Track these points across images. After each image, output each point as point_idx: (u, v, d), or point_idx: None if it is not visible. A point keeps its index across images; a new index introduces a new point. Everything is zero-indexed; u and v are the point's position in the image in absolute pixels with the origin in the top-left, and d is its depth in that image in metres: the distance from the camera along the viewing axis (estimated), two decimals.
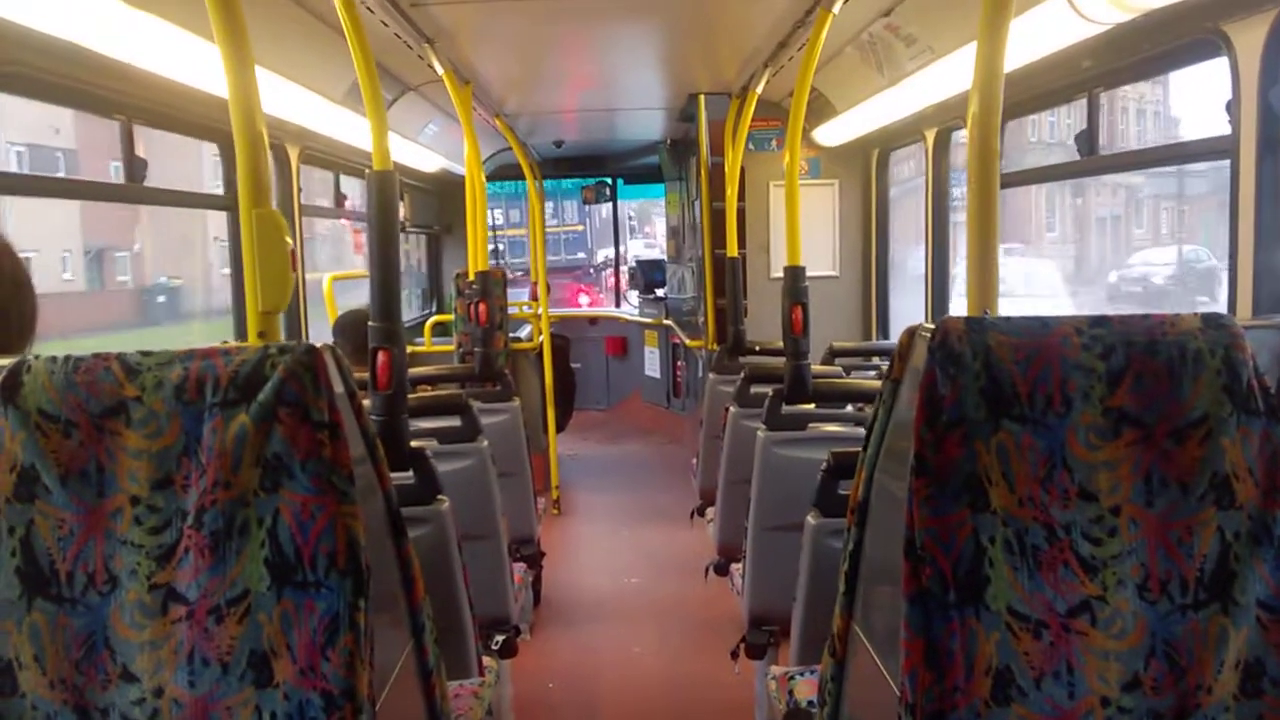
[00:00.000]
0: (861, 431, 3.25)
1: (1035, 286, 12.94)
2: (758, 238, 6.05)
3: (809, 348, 3.47)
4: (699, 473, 5.18)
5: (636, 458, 8.78)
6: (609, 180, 10.07)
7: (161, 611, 1.24)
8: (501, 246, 12.03)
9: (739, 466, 3.88)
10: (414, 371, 3.83)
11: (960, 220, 4.96)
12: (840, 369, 4.14)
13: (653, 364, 9.73)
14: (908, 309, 5.87)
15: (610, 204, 10.42)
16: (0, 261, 1.58)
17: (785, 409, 3.39)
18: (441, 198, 8.27)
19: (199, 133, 3.66)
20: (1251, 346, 1.27)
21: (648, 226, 22.07)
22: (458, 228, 8.19)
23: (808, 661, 2.54)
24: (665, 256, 9.84)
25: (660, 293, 9.51)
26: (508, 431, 4.27)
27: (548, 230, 8.64)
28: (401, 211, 4.39)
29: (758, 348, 5.10)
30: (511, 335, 6.84)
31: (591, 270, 20.90)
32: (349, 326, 3.97)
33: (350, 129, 4.33)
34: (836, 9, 3.21)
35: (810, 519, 2.53)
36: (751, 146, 5.80)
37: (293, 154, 4.24)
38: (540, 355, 6.85)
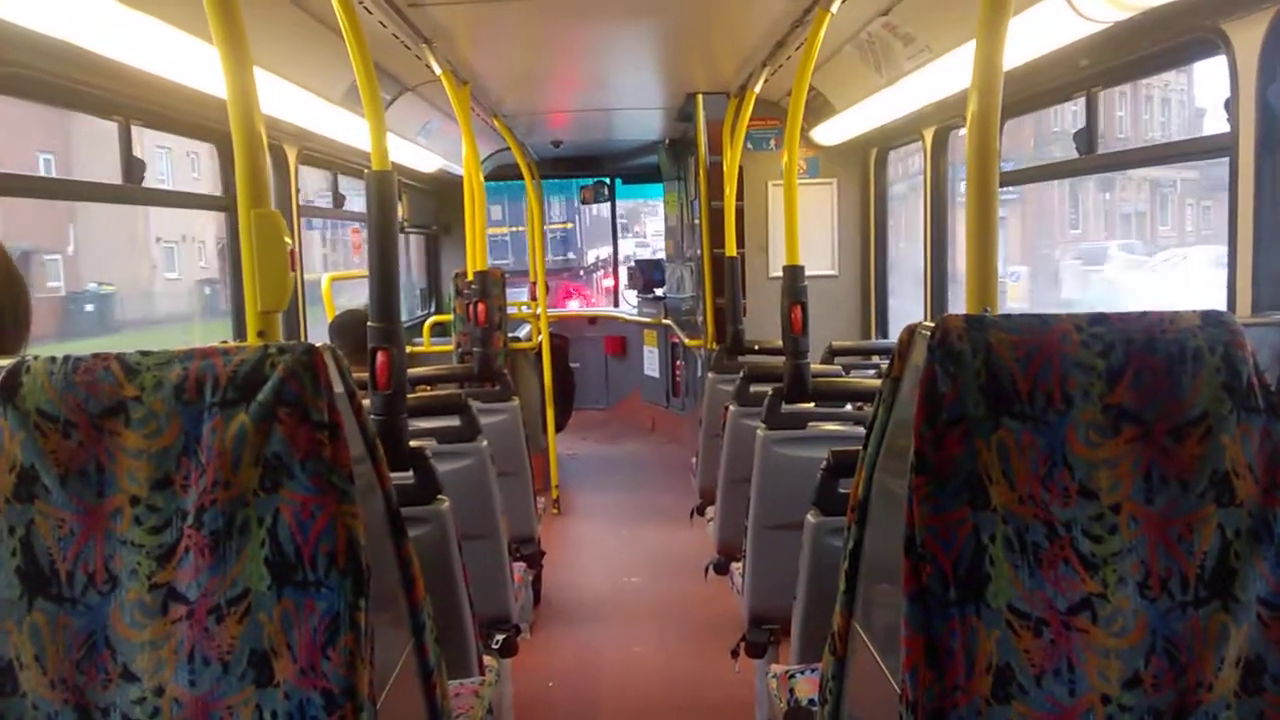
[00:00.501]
0: (861, 430, 3.27)
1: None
2: (756, 237, 6.05)
3: (808, 347, 3.47)
4: (698, 472, 5.18)
5: (636, 457, 8.78)
6: (607, 180, 10.07)
7: (162, 611, 1.24)
8: None
9: (738, 465, 3.88)
10: (413, 372, 3.83)
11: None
12: (839, 368, 4.14)
13: (652, 363, 9.73)
14: (906, 311, 5.88)
15: (605, 203, 10.41)
16: None
17: (785, 408, 3.39)
18: (439, 198, 8.27)
19: (197, 133, 3.66)
20: (1251, 344, 1.27)
21: (637, 226, 21.79)
22: (456, 228, 8.19)
23: (808, 660, 2.54)
24: (663, 255, 9.85)
25: (659, 292, 9.52)
26: (507, 431, 4.27)
27: (519, 231, 8.60)
28: (400, 212, 4.39)
29: (757, 347, 5.10)
30: (510, 335, 6.85)
31: (582, 271, 20.68)
32: (346, 327, 3.97)
33: (348, 129, 4.33)
34: (834, 8, 3.21)
35: (810, 517, 2.53)
36: (750, 146, 5.80)
37: (291, 155, 4.24)
38: (539, 355, 6.86)
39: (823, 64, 4.49)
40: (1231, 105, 2.46)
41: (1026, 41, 2.89)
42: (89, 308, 9.61)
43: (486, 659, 2.77)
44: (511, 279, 8.68)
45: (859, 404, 3.62)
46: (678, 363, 9.07)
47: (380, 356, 2.42)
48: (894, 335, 5.82)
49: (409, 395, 2.72)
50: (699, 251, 6.44)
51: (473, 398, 3.69)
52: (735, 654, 3.51)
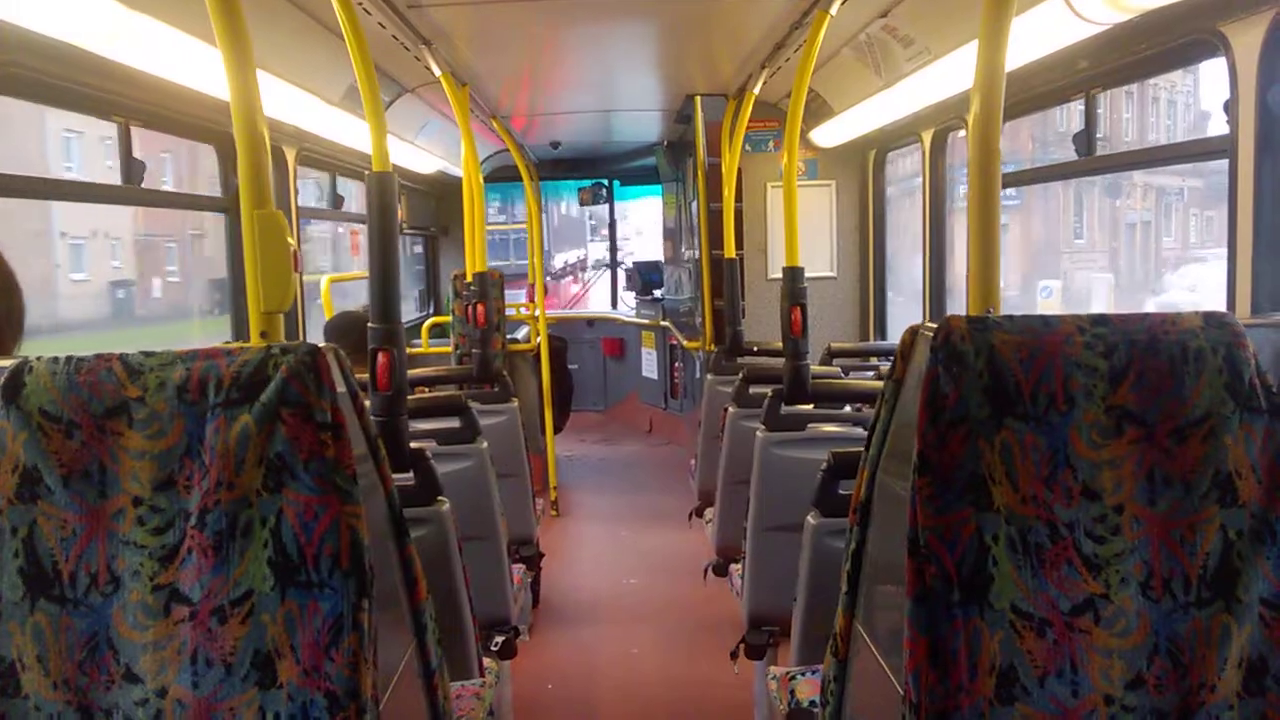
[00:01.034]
0: (860, 432, 3.28)
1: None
2: (755, 239, 6.06)
3: (808, 348, 3.47)
4: (697, 473, 5.18)
5: (634, 459, 8.78)
6: (605, 182, 10.07)
7: (164, 612, 1.24)
8: None
9: (738, 467, 3.88)
10: (412, 373, 3.83)
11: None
12: (838, 369, 4.14)
13: (650, 365, 9.73)
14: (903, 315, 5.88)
15: (589, 203, 10.37)
16: None
17: (784, 409, 3.39)
18: (438, 199, 8.27)
19: (197, 134, 3.65)
20: (1253, 345, 1.27)
21: (604, 230, 21.13)
22: (455, 229, 8.19)
23: (808, 661, 2.54)
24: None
25: (657, 294, 9.51)
26: (506, 432, 4.27)
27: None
28: (399, 213, 4.39)
29: (755, 348, 5.10)
30: (508, 336, 6.84)
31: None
32: (341, 328, 3.97)
33: (348, 131, 4.33)
34: (834, 10, 3.22)
35: (810, 519, 2.53)
36: (748, 148, 5.80)
37: (290, 156, 4.24)
38: (537, 356, 6.85)
39: (822, 66, 4.49)
40: (1231, 107, 2.46)
41: (1026, 43, 2.90)
42: None
43: (486, 661, 2.77)
44: (510, 281, 8.65)
45: (858, 405, 3.62)
46: (676, 364, 9.07)
47: (381, 357, 2.41)
48: (892, 337, 5.83)
49: (408, 397, 2.72)
50: (697, 253, 6.44)
51: (471, 399, 3.69)
52: (734, 656, 3.50)
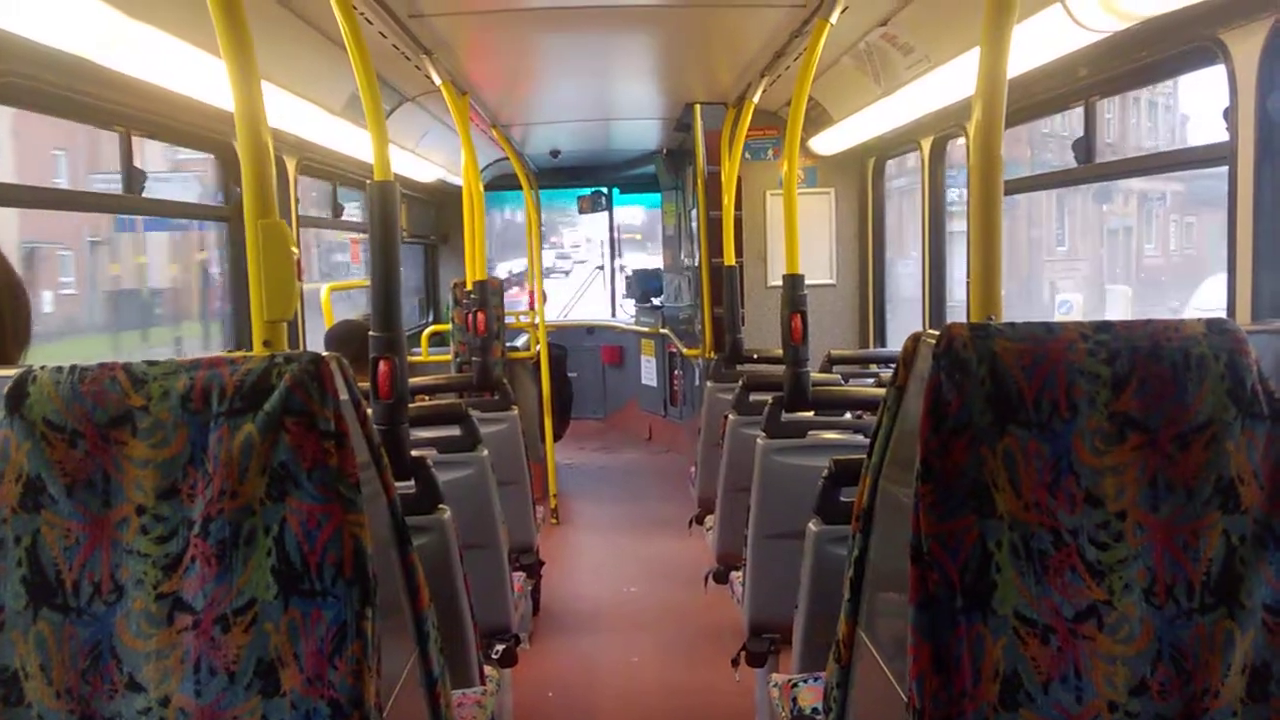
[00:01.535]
0: (861, 439, 3.29)
1: None
2: (754, 246, 6.06)
3: (808, 356, 3.47)
4: (697, 481, 5.18)
5: (634, 466, 8.77)
6: (605, 190, 10.08)
7: (168, 621, 1.24)
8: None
9: (738, 474, 3.88)
10: (412, 381, 3.83)
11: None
12: (838, 377, 4.14)
13: (649, 373, 9.73)
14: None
15: (589, 211, 10.36)
16: None
17: (784, 417, 3.39)
18: (438, 208, 8.28)
19: (198, 144, 3.66)
20: (1255, 351, 1.28)
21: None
22: (454, 238, 8.20)
23: (810, 669, 2.54)
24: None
25: (656, 301, 9.52)
26: (507, 440, 4.27)
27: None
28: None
29: (755, 356, 5.10)
30: (508, 344, 6.85)
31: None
32: (341, 337, 3.97)
33: (348, 140, 4.34)
34: (834, 19, 3.22)
35: (812, 526, 2.53)
36: (748, 155, 5.82)
37: (290, 165, 4.25)
38: (537, 364, 6.85)
39: (821, 74, 4.50)
40: (1230, 114, 2.47)
41: (1026, 51, 2.91)
42: None
43: (487, 669, 2.76)
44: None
45: (858, 413, 3.62)
46: (675, 372, 9.07)
47: (382, 366, 2.42)
48: (892, 344, 5.84)
49: (408, 405, 2.72)
50: (697, 261, 6.44)
51: (471, 407, 3.69)
52: (735, 663, 3.50)
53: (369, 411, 1.56)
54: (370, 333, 2.46)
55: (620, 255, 10.98)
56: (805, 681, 2.50)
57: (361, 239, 6.50)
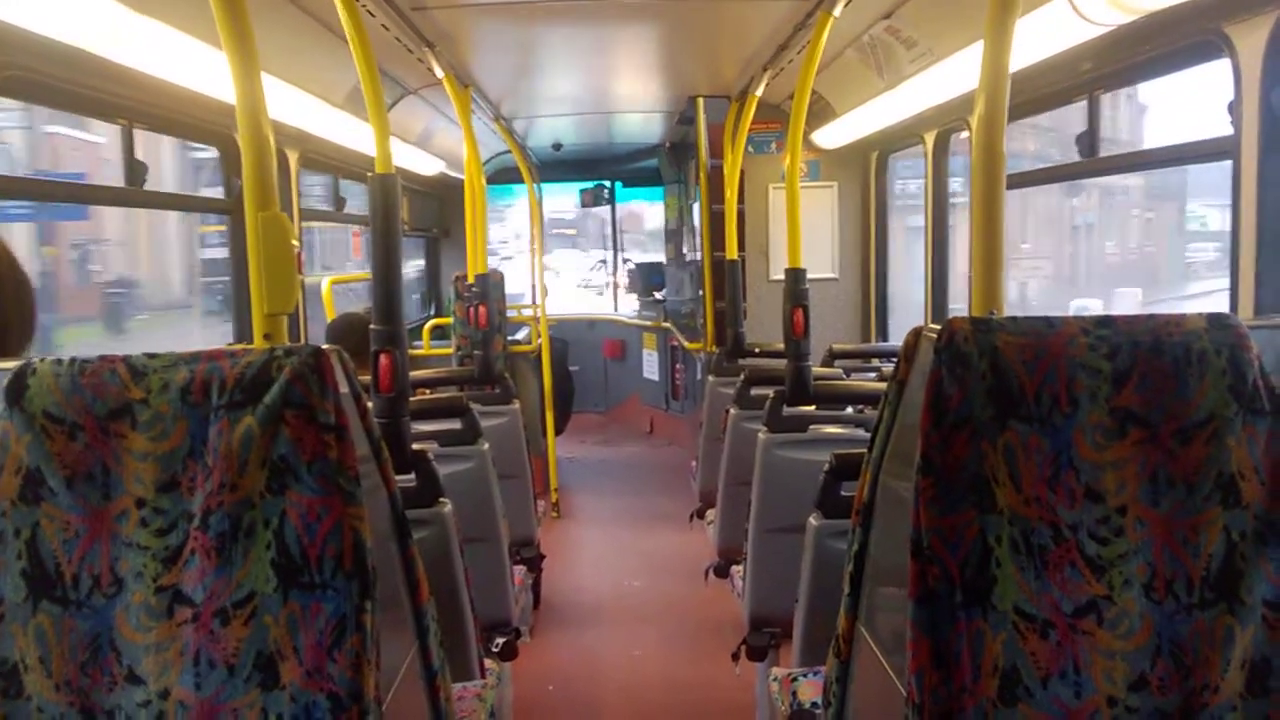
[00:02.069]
0: (862, 433, 3.28)
1: None
2: (757, 240, 6.06)
3: (810, 350, 3.47)
4: (698, 475, 5.18)
5: (635, 460, 8.78)
6: (607, 183, 10.07)
7: (167, 614, 1.24)
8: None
9: (739, 468, 3.88)
10: (414, 374, 3.83)
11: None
12: (840, 371, 4.14)
13: (651, 366, 9.73)
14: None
15: (591, 205, 10.34)
16: (0, 264, 1.59)
17: (786, 411, 3.39)
18: (440, 201, 8.27)
19: (200, 136, 3.66)
20: (1257, 346, 1.27)
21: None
22: (456, 231, 8.19)
23: (810, 663, 2.54)
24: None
25: (659, 295, 9.52)
26: (508, 434, 4.27)
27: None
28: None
29: (757, 350, 5.10)
30: (509, 338, 6.84)
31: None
32: (342, 330, 3.98)
33: (350, 132, 4.33)
34: (837, 12, 3.22)
35: (812, 520, 2.53)
36: (751, 149, 5.81)
37: (292, 158, 4.24)
38: (538, 358, 6.85)
39: (824, 67, 4.49)
40: (1235, 108, 2.46)
41: (1030, 44, 2.90)
42: None
43: (487, 662, 2.77)
44: None
45: (860, 407, 3.62)
46: (677, 366, 9.07)
47: (383, 359, 2.42)
48: (894, 338, 5.84)
49: (409, 398, 2.72)
50: (699, 255, 6.43)
51: (473, 400, 3.69)
52: (736, 657, 3.50)
53: (369, 405, 1.56)
54: (371, 326, 2.46)
55: (623, 249, 10.96)
56: (805, 676, 2.51)
57: (363, 231, 6.49)
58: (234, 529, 1.22)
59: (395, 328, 2.45)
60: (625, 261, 10.80)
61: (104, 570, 1.26)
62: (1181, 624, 1.25)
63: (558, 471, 7.10)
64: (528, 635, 4.58)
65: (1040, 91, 3.44)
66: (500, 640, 3.31)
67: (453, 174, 7.10)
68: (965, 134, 4.45)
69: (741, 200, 5.69)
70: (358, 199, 5.64)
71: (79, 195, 3.51)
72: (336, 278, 5.40)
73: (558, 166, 9.40)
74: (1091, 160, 3.28)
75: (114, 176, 3.09)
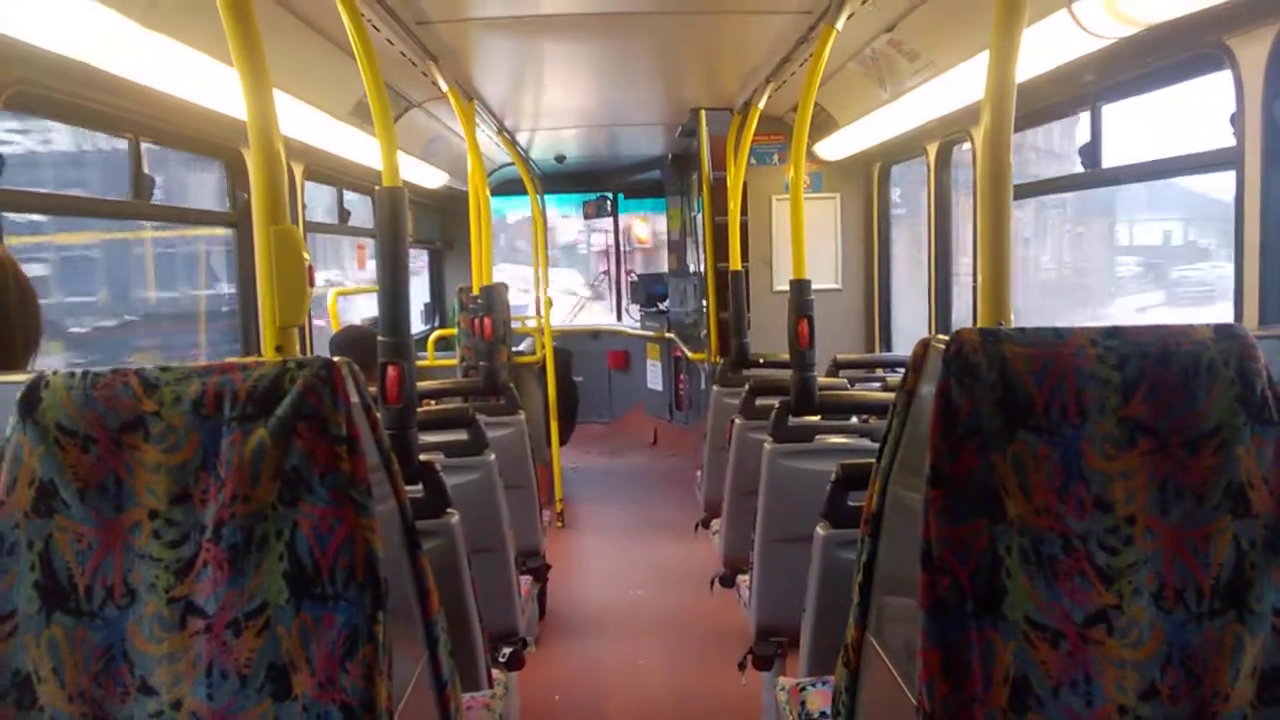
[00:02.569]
0: (868, 443, 3.29)
1: None
2: (760, 251, 6.07)
3: (815, 360, 3.47)
4: (703, 485, 5.18)
5: (639, 470, 8.77)
6: (610, 195, 10.10)
7: (180, 625, 1.24)
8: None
9: (745, 478, 3.88)
10: (419, 386, 3.83)
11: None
12: (844, 381, 4.15)
13: (655, 377, 9.73)
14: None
15: (594, 216, 10.36)
16: (5, 275, 1.60)
17: (791, 421, 3.40)
18: (443, 213, 8.29)
19: (206, 150, 3.68)
20: (1264, 356, 1.28)
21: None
22: (459, 243, 8.21)
23: (818, 673, 2.54)
24: (665, 269, 9.88)
25: (662, 306, 9.54)
26: (513, 444, 4.27)
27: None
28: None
29: (762, 360, 5.10)
30: (513, 349, 6.85)
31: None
32: (347, 343, 3.98)
33: (355, 145, 4.35)
34: (840, 25, 3.23)
35: (820, 530, 2.53)
36: (753, 161, 5.83)
37: (297, 171, 4.26)
38: (542, 369, 6.86)
39: (827, 80, 4.51)
40: (1237, 119, 2.47)
41: (1032, 57, 2.90)
42: None
43: (494, 672, 2.77)
44: None
45: (865, 417, 3.62)
46: (681, 376, 9.07)
47: (391, 371, 2.43)
48: (897, 348, 5.84)
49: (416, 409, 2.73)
50: (702, 266, 6.45)
51: (478, 411, 3.70)
52: (742, 666, 3.50)
53: (379, 416, 1.57)
54: (379, 337, 2.47)
55: (627, 261, 10.99)
56: (814, 685, 2.50)
57: (368, 244, 6.51)
58: (246, 540, 1.23)
59: (402, 339, 2.46)
60: (629, 273, 10.82)
61: (117, 582, 1.26)
62: (1191, 633, 1.25)
63: (562, 482, 7.09)
64: (534, 645, 4.58)
65: (1043, 103, 3.45)
66: (507, 650, 3.31)
67: (457, 186, 7.11)
68: (966, 145, 4.47)
69: (744, 212, 5.70)
70: (354, 209, 5.66)
71: (84, 208, 3.52)
72: (342, 290, 5.41)
73: (561, 179, 9.42)
74: (1094, 171, 3.29)
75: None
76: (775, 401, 3.44)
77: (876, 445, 1.58)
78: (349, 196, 5.53)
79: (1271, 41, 2.34)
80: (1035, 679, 1.24)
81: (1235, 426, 1.26)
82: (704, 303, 6.33)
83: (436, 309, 8.50)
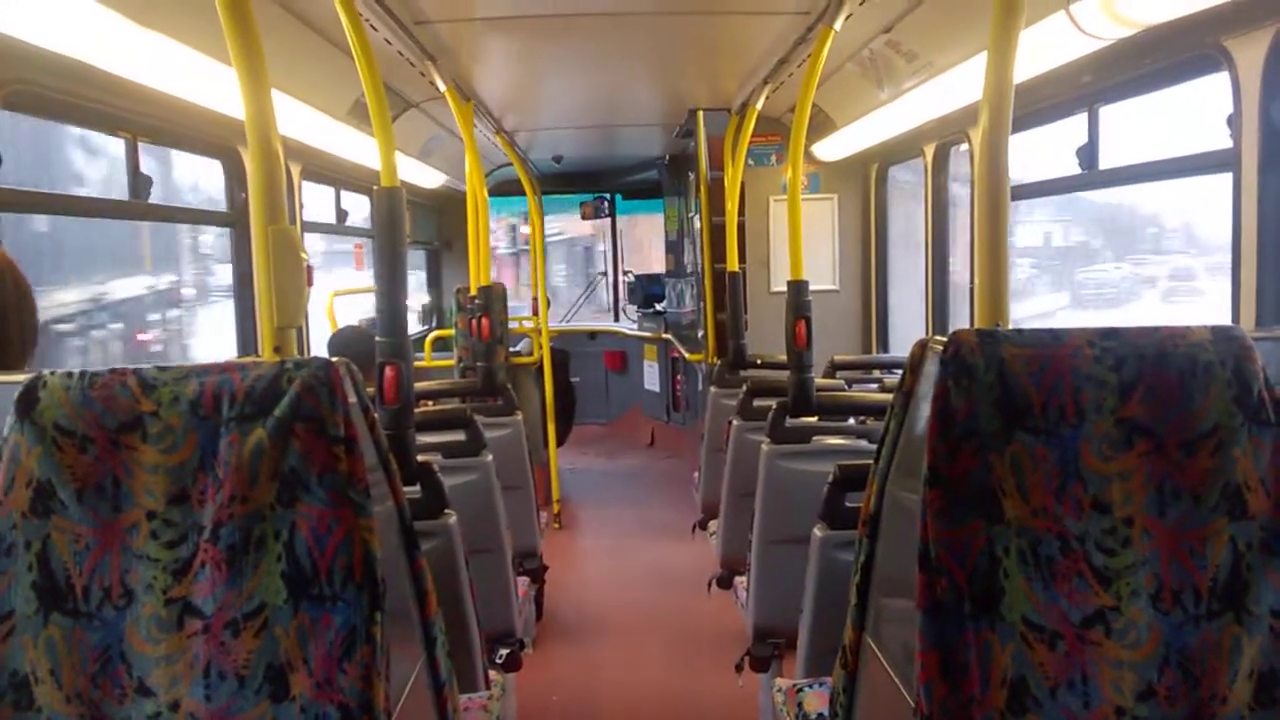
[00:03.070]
0: (865, 444, 3.29)
1: None
2: (758, 252, 6.07)
3: (812, 361, 3.47)
4: (701, 486, 5.18)
5: (637, 471, 8.77)
6: (607, 196, 10.10)
7: (178, 625, 1.24)
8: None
9: (742, 479, 3.88)
10: (417, 386, 3.83)
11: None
12: (842, 382, 4.15)
13: (652, 378, 9.73)
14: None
15: (592, 217, 10.36)
16: (3, 276, 1.60)
17: (789, 422, 3.40)
18: (441, 214, 8.28)
19: (204, 149, 3.67)
20: (1261, 357, 1.28)
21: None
22: (457, 243, 8.21)
23: (815, 674, 2.54)
24: (662, 270, 9.89)
25: (659, 307, 9.53)
26: (510, 445, 4.27)
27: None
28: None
29: (759, 361, 5.10)
30: (510, 349, 6.84)
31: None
32: (343, 343, 3.98)
33: (352, 145, 4.35)
34: (838, 25, 3.23)
35: (817, 531, 2.53)
36: (751, 161, 5.82)
37: (294, 171, 4.26)
38: (540, 369, 6.86)
39: (825, 80, 4.51)
40: (1234, 121, 2.47)
41: (1030, 58, 2.90)
42: None
43: (491, 674, 2.76)
44: None
45: (862, 418, 3.62)
46: (678, 377, 9.07)
47: (388, 371, 2.42)
48: (895, 349, 5.84)
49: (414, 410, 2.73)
50: (699, 267, 6.44)
51: (475, 412, 3.69)
52: (739, 668, 3.50)
53: (376, 417, 1.57)
54: (377, 338, 2.47)
55: (623, 261, 10.99)
56: (811, 687, 2.50)
57: (365, 244, 6.51)
58: (244, 541, 1.23)
59: (400, 340, 2.45)
60: (626, 274, 10.82)
61: (114, 582, 1.26)
62: (1189, 634, 1.25)
63: (560, 483, 7.09)
64: (530, 646, 4.58)
65: (1041, 104, 3.46)
66: (504, 651, 3.31)
67: (454, 186, 7.11)
68: (964, 147, 4.47)
69: (742, 213, 5.70)
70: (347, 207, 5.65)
71: (82, 208, 3.51)
72: (340, 290, 5.41)
73: (559, 179, 9.42)
74: (1092, 173, 3.29)
75: None
76: (773, 402, 3.44)
77: (874, 446, 1.59)
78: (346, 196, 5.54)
79: (1269, 43, 2.35)
80: (1033, 680, 1.24)
81: (1232, 428, 1.26)
82: (701, 303, 6.34)
83: (434, 309, 8.49)
